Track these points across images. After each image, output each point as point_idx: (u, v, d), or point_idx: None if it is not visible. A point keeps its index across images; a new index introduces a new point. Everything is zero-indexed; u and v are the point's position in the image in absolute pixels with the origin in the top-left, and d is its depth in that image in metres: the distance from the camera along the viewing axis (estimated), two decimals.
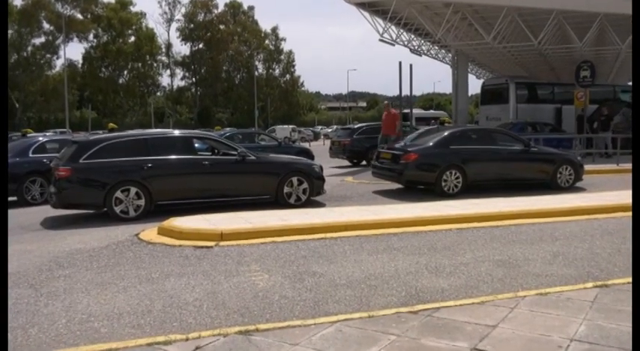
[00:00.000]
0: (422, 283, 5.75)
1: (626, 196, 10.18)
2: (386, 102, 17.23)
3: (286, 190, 11.00)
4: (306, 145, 33.93)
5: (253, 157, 11.03)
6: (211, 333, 4.40)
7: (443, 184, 12.29)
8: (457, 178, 12.40)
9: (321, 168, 11.86)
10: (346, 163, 21.62)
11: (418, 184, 13.05)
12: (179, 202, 10.38)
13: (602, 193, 12.19)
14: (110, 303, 5.25)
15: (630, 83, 42.43)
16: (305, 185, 11.15)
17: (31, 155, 12.62)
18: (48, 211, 11.20)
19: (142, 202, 9.91)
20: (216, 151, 11.33)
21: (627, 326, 4.36)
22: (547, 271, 6.21)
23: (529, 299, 5.11)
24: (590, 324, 4.45)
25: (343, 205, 11.20)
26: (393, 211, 9.60)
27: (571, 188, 13.21)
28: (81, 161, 9.80)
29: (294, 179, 11.09)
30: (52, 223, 9.90)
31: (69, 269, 6.51)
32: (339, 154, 21.87)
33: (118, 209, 9.78)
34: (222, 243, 7.57)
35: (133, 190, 9.85)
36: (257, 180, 11.00)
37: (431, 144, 12.86)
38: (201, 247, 7.40)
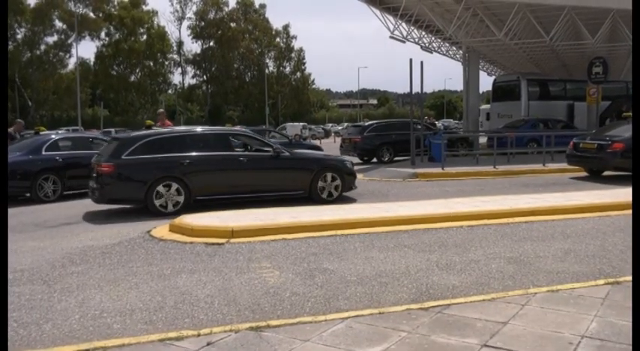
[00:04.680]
0: (432, 280, 5.76)
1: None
2: (160, 111, 15.09)
3: (320, 185, 11.19)
4: (316, 142, 33.95)
5: (287, 154, 11.27)
6: (223, 329, 4.43)
7: None
8: None
9: (352, 164, 12.08)
10: (357, 160, 21.63)
11: None
12: (216, 197, 10.59)
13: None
14: (122, 299, 5.30)
15: None
16: (337, 181, 11.34)
17: (44, 153, 12.72)
18: (61, 208, 11.33)
19: (181, 197, 10.14)
20: (250, 147, 11.55)
21: None
22: (558, 268, 6.19)
23: (540, 296, 5.09)
24: (601, 321, 4.43)
25: (355, 202, 11.21)
26: (403, 208, 9.59)
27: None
28: (123, 157, 10.06)
29: (327, 175, 11.29)
30: (65, 220, 9.99)
31: (82, 266, 6.58)
32: (350, 151, 21.88)
33: (158, 204, 10.00)
34: (233, 240, 7.61)
35: (174, 185, 10.09)
36: (291, 176, 11.19)
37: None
38: (213, 243, 7.44)
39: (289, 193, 11.14)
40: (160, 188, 9.99)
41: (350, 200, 11.42)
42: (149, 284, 5.78)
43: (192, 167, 10.27)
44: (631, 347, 3.91)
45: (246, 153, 11.30)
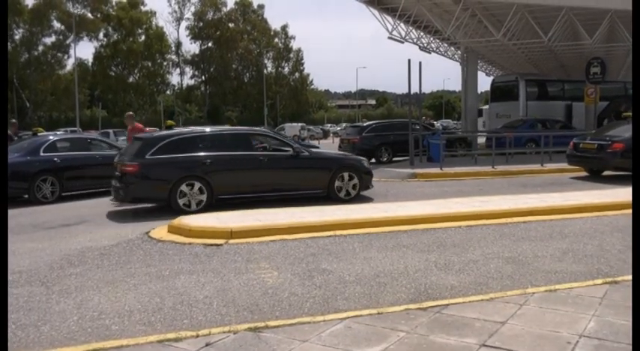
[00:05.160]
0: (431, 280, 5.76)
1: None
2: (129, 113, 14.52)
3: (337, 184, 11.35)
4: (315, 142, 33.93)
5: (307, 153, 11.51)
6: (221, 330, 4.43)
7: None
8: None
9: (369, 163, 12.31)
10: None
11: None
12: (237, 196, 10.78)
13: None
14: (121, 300, 5.30)
15: None
16: (355, 180, 11.49)
17: (42, 154, 12.69)
18: (59, 209, 11.31)
19: (203, 196, 10.27)
20: (269, 146, 11.71)
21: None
22: (556, 267, 6.19)
23: (538, 296, 5.10)
24: (599, 320, 4.44)
25: (354, 202, 11.21)
26: (402, 209, 9.59)
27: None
28: (147, 157, 10.19)
29: (345, 174, 11.43)
30: (63, 222, 9.98)
31: (80, 267, 6.57)
32: (348, 151, 21.86)
33: (181, 203, 10.13)
34: (231, 241, 7.61)
35: (197, 184, 10.21)
36: (311, 175, 11.35)
37: None
38: (211, 244, 7.44)
39: (308, 192, 11.28)
40: (183, 187, 10.13)
41: (367, 199, 11.52)
42: (147, 285, 5.77)
43: (214, 166, 10.41)
44: (630, 346, 3.92)
45: (267, 152, 11.47)
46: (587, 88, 24.17)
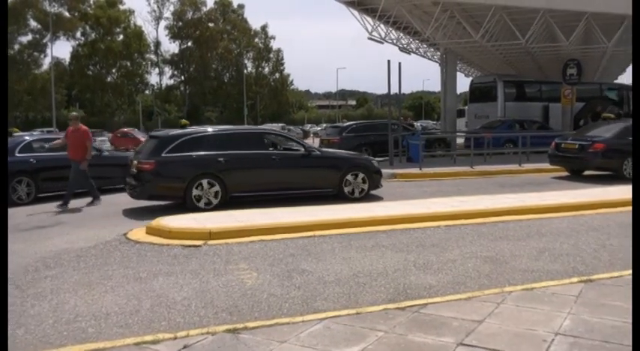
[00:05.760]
0: (410, 280, 5.79)
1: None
2: (73, 114, 13.08)
3: (348, 183, 11.53)
4: None
5: (318, 153, 11.80)
6: (199, 331, 4.40)
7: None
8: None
9: (378, 163, 12.65)
10: None
11: None
12: (250, 194, 10.93)
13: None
14: (98, 303, 5.24)
15: (616, 81, 42.79)
16: (365, 179, 11.68)
17: (17, 155, 12.49)
18: (35, 210, 11.15)
19: (218, 194, 10.41)
20: (280, 146, 11.85)
21: (611, 320, 4.42)
22: (533, 266, 6.27)
23: (515, 294, 5.15)
24: (574, 318, 4.49)
25: (332, 202, 11.21)
26: (382, 209, 9.64)
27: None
28: (163, 155, 10.36)
29: (355, 174, 11.63)
30: (38, 223, 9.84)
31: (56, 269, 6.48)
32: None
33: (196, 200, 10.27)
34: (210, 242, 7.57)
35: (211, 182, 10.37)
36: (322, 174, 11.56)
37: None
38: (190, 246, 7.39)
39: (319, 190, 11.46)
40: (198, 185, 10.28)
41: (377, 199, 11.67)
42: (125, 287, 5.72)
43: (228, 165, 10.57)
44: (604, 343, 3.98)
45: (279, 151, 11.56)
46: (563, 90, 24.50)
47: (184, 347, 4.10)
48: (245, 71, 76.96)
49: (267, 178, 11.06)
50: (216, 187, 10.39)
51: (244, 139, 11.25)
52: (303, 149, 11.54)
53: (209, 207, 10.23)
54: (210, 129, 11.88)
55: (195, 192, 10.26)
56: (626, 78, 55.85)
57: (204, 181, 10.32)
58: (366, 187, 11.68)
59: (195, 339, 4.24)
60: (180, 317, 4.83)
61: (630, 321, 4.40)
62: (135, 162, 10.61)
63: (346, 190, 11.51)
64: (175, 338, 4.27)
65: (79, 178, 11.53)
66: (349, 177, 11.53)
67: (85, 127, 12.03)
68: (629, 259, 6.54)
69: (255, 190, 10.99)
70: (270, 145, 11.75)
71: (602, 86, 32.34)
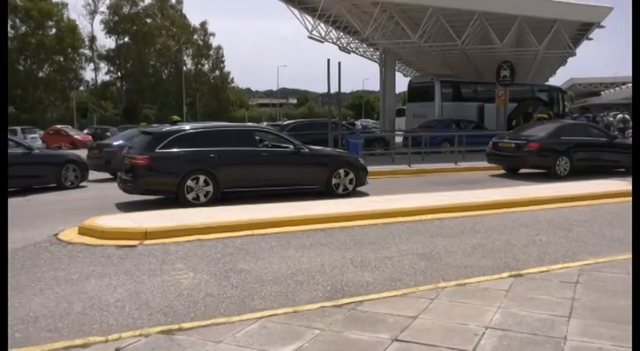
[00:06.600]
0: (347, 278, 5.84)
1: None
2: None
3: (335, 180, 11.84)
4: None
5: (307, 150, 11.92)
6: (132, 334, 4.30)
7: None
8: None
9: (364, 160, 13.30)
10: None
11: None
12: (241, 190, 11.14)
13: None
14: (25, 306, 5.04)
15: (546, 83, 44.49)
16: (352, 176, 12.01)
17: None
18: None
19: (210, 189, 10.62)
20: (269, 143, 12.13)
21: (538, 313, 4.60)
22: (467, 262, 6.44)
23: (449, 290, 5.28)
24: (504, 312, 4.65)
25: (274, 201, 11.18)
26: (320, 207, 9.67)
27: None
28: (157, 151, 10.54)
29: (343, 171, 11.96)
30: None
31: None
32: None
33: (189, 196, 10.46)
34: (146, 242, 7.41)
35: (203, 178, 10.57)
36: (310, 171, 11.87)
37: None
38: (124, 246, 7.21)
39: (307, 187, 11.72)
40: (191, 181, 10.48)
41: (363, 194, 11.97)
42: (55, 290, 5.52)
43: (220, 161, 10.77)
44: (532, 336, 4.13)
45: (270, 148, 11.83)
46: (497, 90, 25.29)
47: (116, 350, 3.99)
48: (184, 68, 75.56)
49: (257, 174, 11.31)
50: (209, 183, 10.59)
51: (236, 136, 11.48)
52: (292, 146, 11.77)
53: (201, 202, 10.43)
54: (203, 126, 12.18)
55: (188, 187, 10.43)
56: (555, 80, 58.22)
57: (197, 177, 10.51)
58: (352, 183, 12.00)
59: (127, 341, 4.14)
60: (112, 319, 4.71)
61: (557, 313, 4.60)
62: (128, 157, 10.83)
63: (334, 186, 11.80)
64: (107, 341, 4.16)
65: None
66: (337, 174, 11.86)
67: None
68: (558, 253, 6.85)
69: (246, 185, 11.23)
70: (260, 143, 11.99)
71: (533, 88, 33.56)
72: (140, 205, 10.53)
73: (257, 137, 12.02)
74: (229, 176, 10.87)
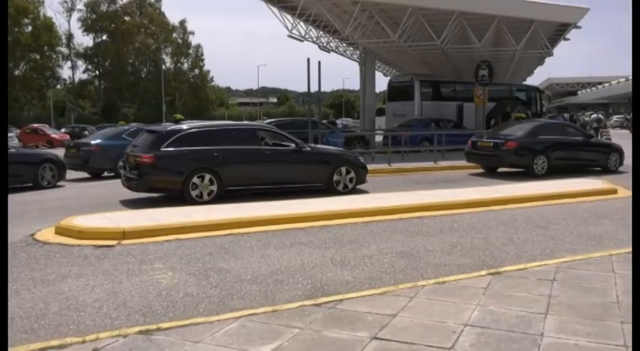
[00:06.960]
0: (327, 277, 5.84)
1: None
2: None
3: (336, 178, 12.05)
4: None
5: (309, 148, 12.23)
6: (110, 334, 4.25)
7: None
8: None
9: (364, 158, 13.50)
10: None
11: None
12: (244, 187, 11.32)
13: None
14: None
15: (524, 82, 44.99)
16: (352, 174, 12.22)
17: None
18: None
19: (214, 187, 10.76)
20: (271, 141, 12.20)
21: (516, 310, 4.64)
22: (446, 260, 6.49)
23: (428, 288, 5.31)
24: (482, 309, 4.69)
25: (252, 200, 11.15)
26: (300, 206, 9.67)
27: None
28: (162, 149, 10.67)
29: (344, 169, 12.17)
30: None
31: None
32: None
33: (194, 193, 10.59)
34: (124, 241, 7.34)
35: (208, 176, 10.70)
36: (313, 169, 12.08)
37: None
38: (102, 246, 7.13)
39: (309, 184, 11.93)
40: (196, 179, 10.61)
41: (362, 192, 12.14)
42: (31, 290, 5.44)
43: (224, 159, 10.90)
44: (509, 333, 4.17)
45: (273, 147, 11.97)
46: (476, 90, 25.49)
47: (93, 350, 3.96)
48: (163, 67, 74.93)
49: (261, 173, 11.45)
50: (213, 181, 10.71)
51: (239, 135, 11.62)
52: (294, 145, 11.90)
53: (206, 200, 10.55)
54: (207, 124, 12.40)
55: (193, 185, 10.56)
56: (533, 80, 58.86)
57: (202, 175, 10.63)
58: (353, 181, 12.18)
59: (105, 342, 4.09)
60: (90, 320, 4.65)
61: (534, 311, 4.66)
62: (133, 155, 10.88)
63: (335, 184, 11.98)
64: (84, 342, 4.11)
65: None
66: (338, 172, 12.05)
67: None
68: (535, 251, 6.93)
69: (250, 183, 11.38)
70: (263, 141, 12.07)
71: (511, 87, 33.91)
72: (121, 205, 10.44)
73: (260, 136, 12.15)
74: (233, 174, 11.01)
